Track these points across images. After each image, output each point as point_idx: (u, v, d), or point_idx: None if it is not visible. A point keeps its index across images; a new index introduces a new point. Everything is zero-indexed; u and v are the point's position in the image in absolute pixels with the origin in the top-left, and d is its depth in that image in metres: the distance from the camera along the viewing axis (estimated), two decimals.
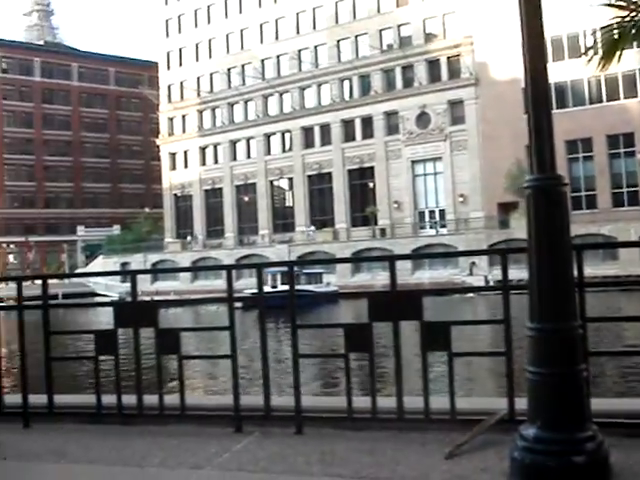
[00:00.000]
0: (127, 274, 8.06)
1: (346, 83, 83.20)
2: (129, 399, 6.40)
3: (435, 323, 5.66)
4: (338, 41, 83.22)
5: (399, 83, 79.23)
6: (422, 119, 77.07)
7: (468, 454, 5.01)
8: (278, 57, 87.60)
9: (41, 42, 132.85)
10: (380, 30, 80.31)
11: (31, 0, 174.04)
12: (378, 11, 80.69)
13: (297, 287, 6.57)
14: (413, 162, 77.90)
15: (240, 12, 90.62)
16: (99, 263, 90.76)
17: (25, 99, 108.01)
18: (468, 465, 4.83)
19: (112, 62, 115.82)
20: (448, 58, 76.08)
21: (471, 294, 46.47)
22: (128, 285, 6.73)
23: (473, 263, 61.80)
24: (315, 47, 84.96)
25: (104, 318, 28.41)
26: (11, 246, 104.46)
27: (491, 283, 53.65)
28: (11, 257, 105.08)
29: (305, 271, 58.26)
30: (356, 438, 5.59)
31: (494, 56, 70.33)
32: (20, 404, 6.65)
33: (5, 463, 5.61)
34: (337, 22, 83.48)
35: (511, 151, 62.51)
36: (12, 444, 6.06)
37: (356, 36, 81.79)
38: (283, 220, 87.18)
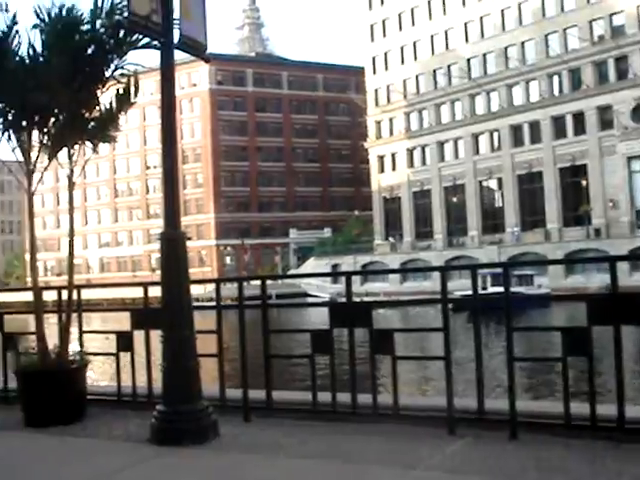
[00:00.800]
0: (341, 275, 8.29)
1: (555, 78, 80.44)
2: (343, 397, 6.55)
3: None
4: (546, 35, 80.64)
5: (612, 76, 75.46)
6: (638, 113, 73.07)
7: None
8: (484, 55, 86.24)
9: (252, 54, 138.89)
10: (590, 21, 76.86)
11: (243, 15, 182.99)
12: (587, 1, 77.41)
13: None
14: (629, 158, 73.95)
15: (444, 13, 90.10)
16: (310, 265, 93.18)
17: (239, 108, 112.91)
18: None
19: (320, 69, 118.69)
20: None
21: None
22: (339, 286, 6.91)
23: None
24: (522, 43, 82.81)
25: (315, 318, 29.14)
26: (228, 248, 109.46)
27: None
28: (228, 259, 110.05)
29: (516, 273, 56.86)
30: (574, 446, 5.39)
31: None
32: (241, 399, 6.97)
33: (227, 454, 5.89)
34: (544, 16, 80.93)
35: None
36: (233, 436, 6.33)
37: (564, 29, 78.82)
38: (493, 221, 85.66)
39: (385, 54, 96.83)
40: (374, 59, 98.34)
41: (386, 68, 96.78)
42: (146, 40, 7.39)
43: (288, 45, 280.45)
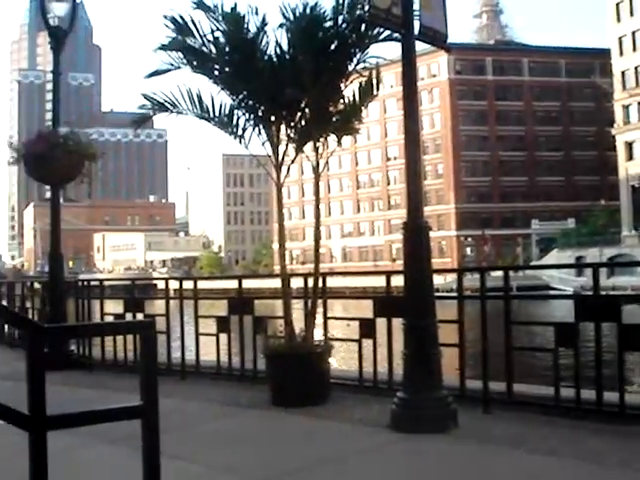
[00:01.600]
0: (588, 267, 8.01)
1: None
2: (586, 394, 6.34)
3: None
4: None
5: None
6: None
7: None
8: None
9: (491, 41, 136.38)
10: None
11: (480, 2, 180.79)
12: None
13: None
14: None
15: None
16: (553, 256, 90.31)
17: (479, 98, 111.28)
18: None
19: (561, 54, 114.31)
20: None
21: None
22: (582, 279, 6.67)
23: None
24: None
25: (558, 312, 28.28)
26: (468, 239, 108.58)
27: None
28: (468, 250, 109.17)
29: None
30: None
31: None
32: (480, 390, 6.92)
33: (467, 444, 5.88)
34: None
35: None
36: (473, 427, 6.32)
37: None
38: None
39: (633, 34, 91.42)
40: (620, 40, 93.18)
41: (634, 49, 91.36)
42: (387, 33, 7.53)
43: (528, 31, 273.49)
